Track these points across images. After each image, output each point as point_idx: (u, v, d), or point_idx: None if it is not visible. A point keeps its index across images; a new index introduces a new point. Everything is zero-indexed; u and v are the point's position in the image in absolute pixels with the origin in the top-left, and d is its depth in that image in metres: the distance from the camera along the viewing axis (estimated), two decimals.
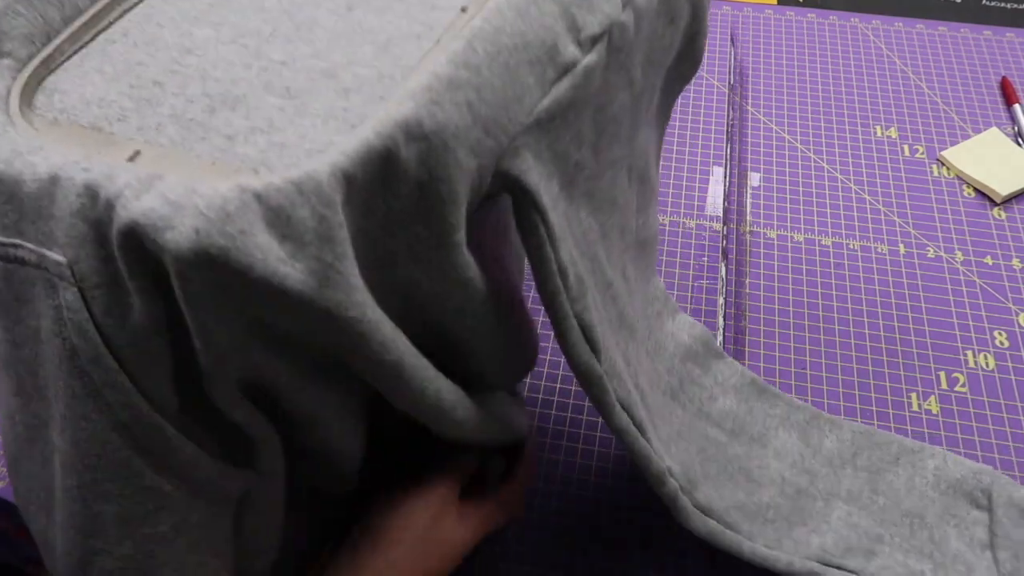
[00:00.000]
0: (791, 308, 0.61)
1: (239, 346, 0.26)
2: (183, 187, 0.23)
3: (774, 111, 0.75)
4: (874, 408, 0.55)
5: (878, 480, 0.50)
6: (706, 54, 0.80)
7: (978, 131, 0.73)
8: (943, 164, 0.70)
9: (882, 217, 0.66)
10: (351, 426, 0.34)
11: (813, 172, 0.70)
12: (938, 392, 0.56)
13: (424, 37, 0.30)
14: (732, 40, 0.82)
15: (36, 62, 0.29)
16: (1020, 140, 0.71)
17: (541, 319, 0.60)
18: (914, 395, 0.56)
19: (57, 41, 0.30)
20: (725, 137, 0.73)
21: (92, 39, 0.30)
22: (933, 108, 0.75)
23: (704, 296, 0.62)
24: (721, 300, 0.61)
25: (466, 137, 0.26)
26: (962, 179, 0.69)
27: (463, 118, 0.26)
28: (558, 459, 0.53)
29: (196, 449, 0.29)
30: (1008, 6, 0.86)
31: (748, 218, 0.67)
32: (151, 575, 0.30)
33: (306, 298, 0.24)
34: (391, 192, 0.26)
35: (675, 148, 0.72)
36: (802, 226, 0.66)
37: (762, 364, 0.57)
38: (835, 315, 0.60)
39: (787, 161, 0.71)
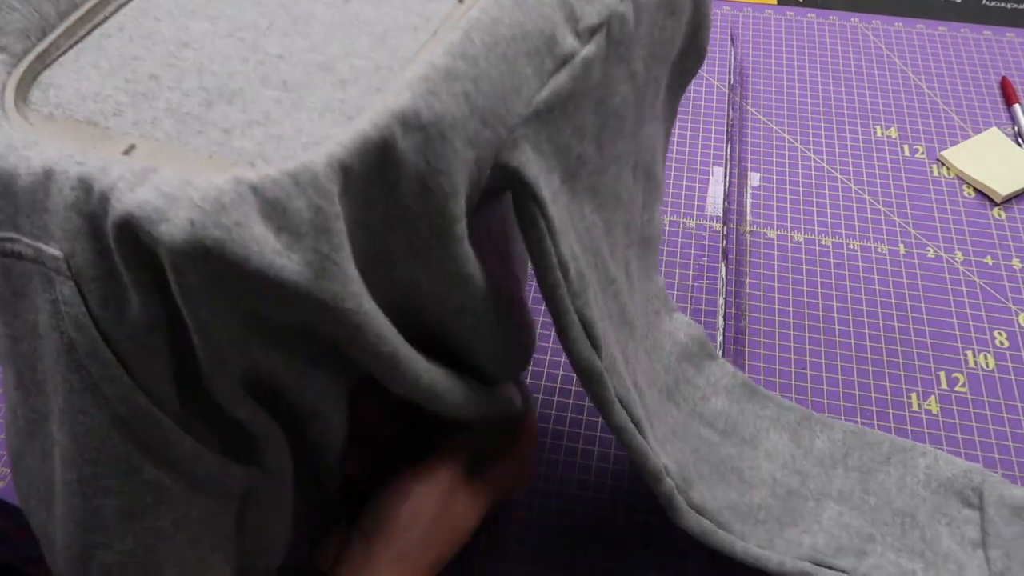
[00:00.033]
0: (791, 308, 0.60)
1: (236, 340, 0.26)
2: (178, 179, 0.23)
3: (774, 111, 0.75)
4: (874, 408, 0.55)
5: (869, 480, 0.50)
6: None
7: (978, 131, 0.73)
8: (943, 164, 0.70)
9: (882, 217, 0.66)
10: (347, 418, 0.34)
11: (813, 172, 0.70)
12: (938, 392, 0.55)
13: (421, 28, 0.30)
14: (732, 40, 0.82)
15: (31, 57, 0.29)
16: (1020, 140, 0.71)
17: (541, 318, 0.60)
18: (914, 395, 0.55)
19: (52, 36, 0.30)
20: (725, 137, 0.73)
21: (88, 34, 0.30)
22: (933, 108, 0.75)
23: (704, 296, 0.62)
24: (721, 300, 0.60)
25: (463, 128, 0.26)
26: (962, 179, 0.69)
27: (460, 109, 0.26)
28: (558, 459, 0.53)
29: (196, 444, 0.29)
30: (1008, 6, 0.86)
31: (748, 218, 0.66)
32: (151, 570, 0.30)
33: (302, 289, 0.24)
34: (389, 183, 0.26)
35: (675, 148, 0.72)
36: (802, 226, 0.66)
37: (762, 364, 0.57)
38: (835, 315, 0.60)
39: (787, 161, 0.71)
